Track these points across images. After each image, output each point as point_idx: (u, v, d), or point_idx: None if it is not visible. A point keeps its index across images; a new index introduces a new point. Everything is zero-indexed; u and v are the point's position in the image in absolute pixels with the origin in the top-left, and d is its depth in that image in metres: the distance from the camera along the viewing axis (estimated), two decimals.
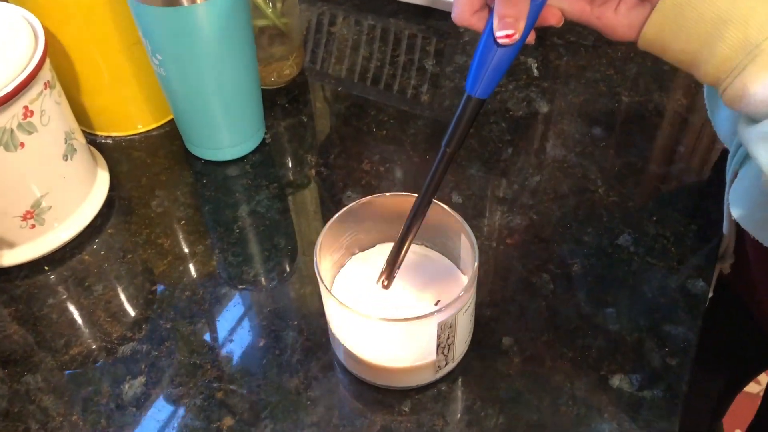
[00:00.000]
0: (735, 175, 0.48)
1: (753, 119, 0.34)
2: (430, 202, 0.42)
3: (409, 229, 0.43)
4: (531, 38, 0.37)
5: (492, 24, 0.34)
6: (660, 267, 0.53)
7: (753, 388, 1.39)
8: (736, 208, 0.47)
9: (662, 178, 0.60)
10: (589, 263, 0.54)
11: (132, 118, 0.65)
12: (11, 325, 0.52)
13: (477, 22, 0.37)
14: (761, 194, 0.45)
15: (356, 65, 0.73)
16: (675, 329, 0.49)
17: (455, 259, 0.49)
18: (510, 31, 0.34)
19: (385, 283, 0.46)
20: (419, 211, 0.42)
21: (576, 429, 0.45)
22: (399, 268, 0.45)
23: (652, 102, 0.67)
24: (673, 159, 0.62)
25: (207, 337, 0.51)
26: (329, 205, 0.60)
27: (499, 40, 0.34)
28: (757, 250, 0.56)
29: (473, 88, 0.37)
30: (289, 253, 0.56)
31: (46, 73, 0.51)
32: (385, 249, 0.51)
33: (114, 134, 0.66)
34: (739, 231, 0.54)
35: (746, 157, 0.47)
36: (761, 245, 0.46)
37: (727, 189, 0.50)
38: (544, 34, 0.75)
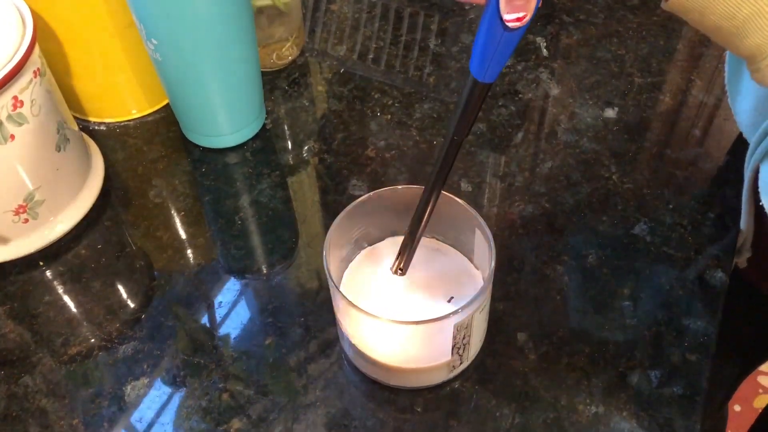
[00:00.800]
0: (756, 170, 0.46)
1: None
2: (439, 193, 0.40)
3: (419, 222, 0.41)
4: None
5: (496, 3, 0.30)
6: (677, 257, 0.52)
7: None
8: None
9: (678, 163, 0.58)
10: (604, 254, 0.52)
11: (126, 103, 0.63)
12: (7, 324, 0.50)
13: None
14: None
15: (358, 45, 0.70)
16: (694, 323, 0.48)
17: (468, 254, 0.47)
18: (521, 14, 0.30)
19: (400, 271, 0.44)
20: (429, 203, 0.40)
21: (594, 428, 0.44)
22: (412, 257, 0.44)
23: (666, 82, 0.65)
24: (689, 143, 0.60)
25: (210, 333, 0.49)
26: (334, 194, 0.58)
27: (509, 24, 0.30)
28: None
29: (479, 72, 0.33)
30: (293, 244, 0.54)
31: (36, 60, 0.48)
32: (394, 243, 0.49)
33: (108, 120, 0.63)
34: (758, 225, 0.52)
35: None
36: None
37: (745, 184, 0.48)
38: (553, 11, 0.73)
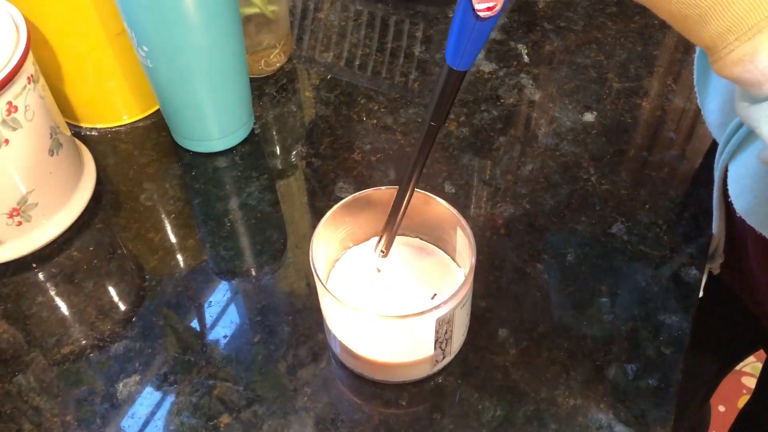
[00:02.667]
0: (725, 170, 0.47)
1: (747, 90, 0.32)
2: (420, 175, 0.41)
3: (401, 202, 0.43)
4: None
5: None
6: (653, 256, 0.53)
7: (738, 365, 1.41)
8: (740, 202, 0.46)
9: (654, 165, 0.60)
10: (583, 252, 0.54)
11: (117, 109, 0.64)
12: (0, 324, 0.52)
13: None
14: (766, 187, 0.44)
15: (345, 52, 0.72)
16: (669, 318, 0.50)
17: (451, 252, 0.49)
18: (491, 3, 0.32)
19: (382, 253, 0.46)
20: (409, 183, 0.42)
21: (573, 419, 0.45)
22: (395, 236, 0.45)
23: (643, 87, 0.67)
24: (665, 146, 0.62)
25: (200, 333, 0.50)
26: (321, 196, 0.59)
27: (481, 14, 0.32)
28: (758, 242, 0.56)
29: (454, 61, 0.35)
30: (282, 246, 0.56)
31: (29, 67, 0.49)
32: None
33: (99, 126, 0.65)
34: (729, 225, 0.54)
35: (740, 148, 0.46)
36: (764, 237, 0.46)
37: (716, 185, 0.50)
38: (534, 19, 0.75)
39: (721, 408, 1.39)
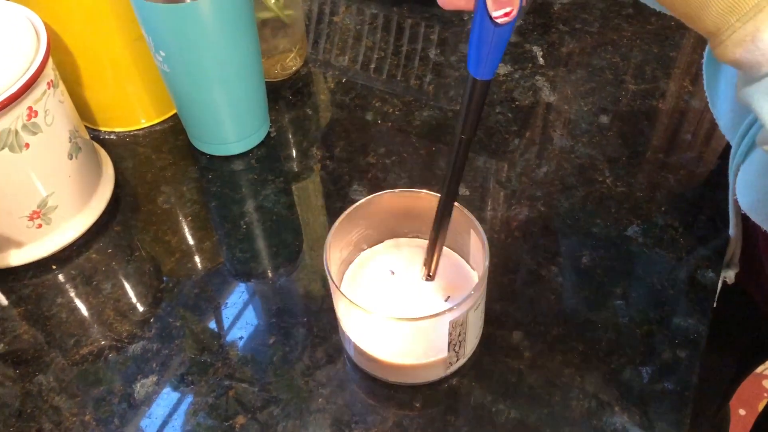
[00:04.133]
0: (737, 172, 0.47)
1: (747, 73, 0.32)
2: (456, 193, 0.41)
3: (440, 226, 0.43)
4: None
5: (483, 3, 0.33)
6: (669, 258, 0.53)
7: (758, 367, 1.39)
8: (744, 199, 0.46)
9: (670, 167, 0.60)
10: (598, 255, 0.54)
11: (135, 113, 0.65)
12: (21, 325, 0.52)
13: (466, 3, 0.34)
14: None
15: (360, 56, 0.73)
16: (685, 321, 0.49)
17: (465, 255, 0.49)
18: (507, 9, 0.32)
19: (428, 277, 0.47)
20: (447, 204, 0.42)
21: (587, 423, 0.45)
22: (437, 263, 0.46)
23: (659, 89, 0.66)
24: (681, 148, 0.61)
25: (217, 334, 0.51)
26: (335, 199, 0.59)
27: (498, 20, 0.33)
28: None
29: (476, 71, 0.35)
30: (297, 248, 0.56)
31: (49, 72, 0.50)
32: (392, 245, 0.51)
33: (118, 129, 0.66)
34: (745, 228, 0.54)
35: (750, 149, 0.46)
36: None
37: (730, 188, 0.50)
38: (550, 20, 0.75)
39: (742, 411, 1.38)
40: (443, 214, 0.42)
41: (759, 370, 1.44)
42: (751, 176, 0.46)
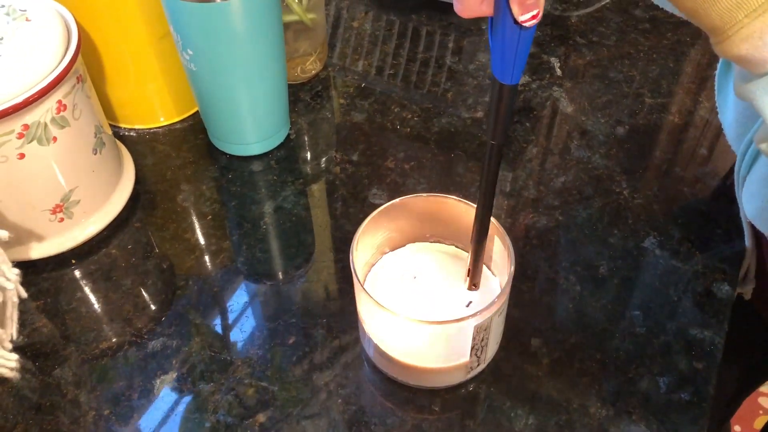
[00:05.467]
0: (743, 183, 0.48)
1: (750, 70, 0.33)
2: (492, 200, 0.41)
3: (480, 235, 0.43)
4: None
5: (505, 7, 0.32)
6: (685, 270, 0.54)
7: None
8: (749, 208, 0.47)
9: (686, 180, 0.60)
10: (615, 265, 0.54)
11: (155, 110, 0.65)
12: (40, 318, 0.53)
13: (487, 9, 0.34)
14: None
15: (378, 61, 0.73)
16: (701, 333, 0.50)
17: (487, 261, 0.50)
18: (534, 12, 0.32)
19: (474, 286, 0.47)
20: (485, 211, 0.42)
21: (605, 430, 0.45)
22: (481, 272, 0.46)
23: (675, 104, 0.67)
24: (697, 161, 0.62)
25: (237, 332, 0.51)
26: (354, 202, 0.60)
27: (526, 24, 0.32)
28: None
29: (504, 76, 0.35)
30: (316, 250, 0.56)
31: (79, 67, 0.51)
32: (415, 248, 0.51)
33: (138, 127, 0.66)
34: (759, 246, 0.54)
35: (754, 160, 0.47)
36: None
37: (738, 197, 0.50)
38: (567, 33, 0.75)
39: (737, 428, 1.39)
40: (482, 220, 0.42)
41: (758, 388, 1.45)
42: (755, 185, 0.46)
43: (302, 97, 0.69)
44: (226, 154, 0.63)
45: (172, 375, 0.49)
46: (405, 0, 0.80)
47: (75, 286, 0.55)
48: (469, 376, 0.47)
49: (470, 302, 0.48)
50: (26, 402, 0.48)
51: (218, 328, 0.52)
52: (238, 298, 0.53)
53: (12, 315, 0.47)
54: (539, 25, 0.76)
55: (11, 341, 0.47)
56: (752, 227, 0.53)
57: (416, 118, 0.67)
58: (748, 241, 0.54)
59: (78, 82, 0.50)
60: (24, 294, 0.48)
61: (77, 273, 0.55)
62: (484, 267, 0.50)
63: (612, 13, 0.78)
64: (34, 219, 0.52)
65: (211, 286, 0.54)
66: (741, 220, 0.55)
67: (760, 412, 1.42)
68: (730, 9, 0.31)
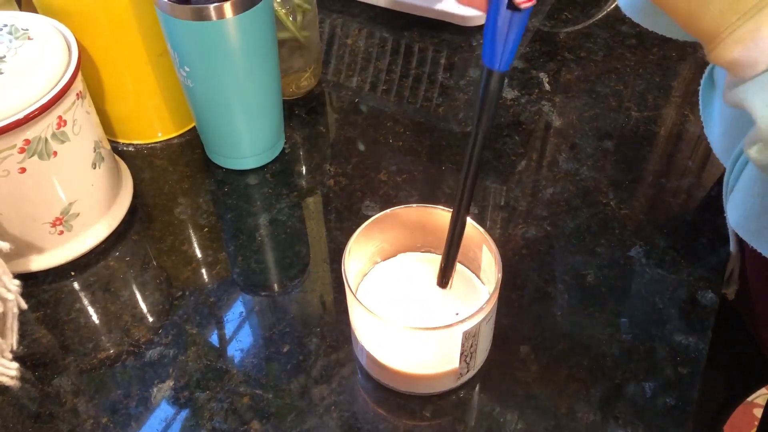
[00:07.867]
0: (730, 193, 0.49)
1: (741, 74, 0.33)
2: (473, 188, 0.41)
3: (457, 222, 0.43)
4: None
5: None
6: (671, 278, 0.55)
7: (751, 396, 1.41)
8: (733, 217, 0.48)
9: (672, 192, 0.62)
10: (603, 274, 0.55)
11: (153, 126, 0.67)
12: (40, 329, 0.54)
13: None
14: (756, 203, 0.45)
15: (372, 77, 0.75)
16: (686, 339, 0.51)
17: (475, 270, 0.51)
18: None
19: (444, 283, 0.48)
20: (464, 200, 0.42)
21: None
22: (454, 266, 0.47)
23: (661, 117, 0.69)
24: (681, 173, 0.64)
25: (232, 342, 0.52)
26: (348, 214, 0.61)
27: (522, 6, 0.32)
28: (754, 265, 0.58)
29: (493, 62, 0.35)
30: (310, 261, 0.58)
31: (78, 83, 0.52)
32: (407, 258, 0.52)
33: (135, 142, 0.67)
34: (742, 251, 0.56)
35: (742, 170, 0.48)
36: (758, 259, 0.47)
37: (725, 207, 0.52)
38: (555, 48, 0.77)
39: None
40: (460, 209, 0.42)
41: (750, 398, 1.46)
42: (739, 194, 0.48)
43: (297, 112, 0.71)
44: (222, 168, 0.65)
45: (169, 384, 0.50)
46: (398, 18, 0.82)
47: (74, 297, 0.56)
48: (460, 382, 0.48)
49: (458, 313, 0.49)
50: (25, 411, 0.49)
51: (214, 338, 0.53)
52: (234, 309, 0.54)
53: (12, 325, 0.48)
54: (529, 42, 0.78)
55: (11, 351, 0.48)
56: (737, 234, 0.55)
57: (408, 132, 0.68)
58: (733, 246, 0.56)
59: (78, 99, 0.52)
60: (24, 305, 0.49)
61: (76, 285, 0.57)
62: (474, 276, 0.51)
63: (600, 30, 0.80)
64: (34, 232, 0.54)
65: (207, 297, 0.55)
66: (725, 230, 0.56)
67: (755, 423, 1.43)
68: (723, 12, 0.32)
